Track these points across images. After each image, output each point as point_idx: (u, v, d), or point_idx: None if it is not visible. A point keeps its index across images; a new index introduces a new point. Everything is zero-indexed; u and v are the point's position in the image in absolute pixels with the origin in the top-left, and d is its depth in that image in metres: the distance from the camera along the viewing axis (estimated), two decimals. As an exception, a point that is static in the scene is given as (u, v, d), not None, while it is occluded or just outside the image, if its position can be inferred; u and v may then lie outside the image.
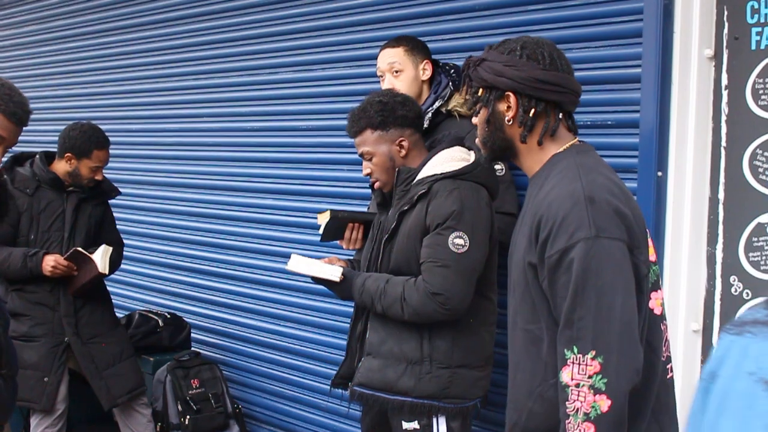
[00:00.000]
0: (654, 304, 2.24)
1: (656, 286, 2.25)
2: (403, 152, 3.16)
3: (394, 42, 3.65)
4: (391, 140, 3.16)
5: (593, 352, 2.03)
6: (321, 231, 3.48)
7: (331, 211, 3.46)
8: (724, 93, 3.15)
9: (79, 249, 4.26)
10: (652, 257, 2.25)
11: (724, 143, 3.15)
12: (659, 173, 3.25)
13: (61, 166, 4.38)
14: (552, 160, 2.28)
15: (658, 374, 2.25)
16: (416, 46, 3.62)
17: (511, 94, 2.26)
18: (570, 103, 2.32)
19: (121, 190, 4.73)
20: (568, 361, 2.07)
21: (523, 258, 2.23)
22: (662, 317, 2.28)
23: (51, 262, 4.22)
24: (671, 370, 2.33)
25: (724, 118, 3.15)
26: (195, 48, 5.47)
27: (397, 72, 3.59)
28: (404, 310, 3.02)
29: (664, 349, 2.28)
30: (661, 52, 3.23)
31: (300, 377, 4.87)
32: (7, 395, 2.90)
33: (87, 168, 4.36)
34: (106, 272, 4.29)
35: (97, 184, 4.49)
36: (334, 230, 3.50)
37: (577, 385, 2.05)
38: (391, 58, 3.61)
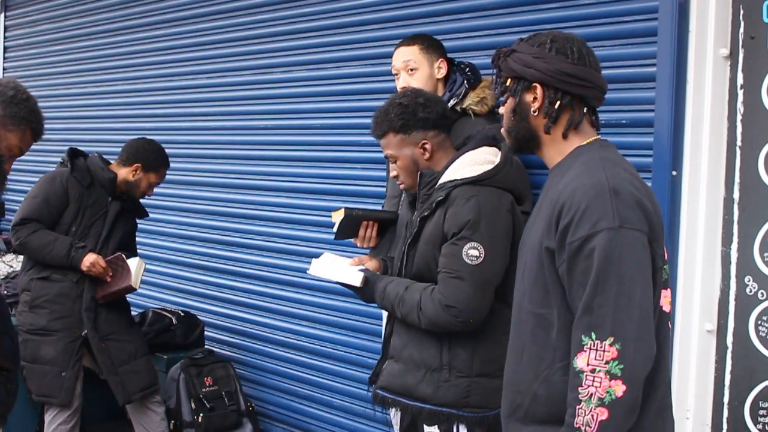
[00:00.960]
0: (663, 301, 2.26)
1: (666, 285, 2.28)
2: (427, 155, 3.13)
3: (410, 40, 3.64)
4: (414, 143, 3.12)
5: (611, 339, 2.06)
6: (335, 229, 3.47)
7: (346, 209, 3.45)
8: (740, 92, 3.13)
9: (123, 255, 4.34)
10: (665, 255, 2.28)
11: (739, 143, 3.13)
12: (674, 173, 3.24)
13: (122, 173, 4.52)
14: (575, 152, 2.32)
15: (664, 371, 2.27)
16: (431, 45, 3.62)
17: (538, 85, 2.31)
18: (595, 99, 2.37)
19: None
20: (585, 347, 2.10)
21: (540, 242, 2.25)
22: (669, 315, 2.30)
23: (91, 259, 4.29)
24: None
25: (739, 117, 3.13)
26: (210, 46, 5.49)
27: (412, 70, 3.58)
28: (420, 319, 3.00)
29: (668, 348, 2.32)
30: (676, 51, 3.22)
31: (313, 375, 4.87)
32: (6, 393, 2.91)
33: (148, 182, 4.55)
34: (137, 287, 4.37)
35: (138, 200, 4.62)
36: (349, 228, 3.49)
37: (593, 371, 2.08)
38: (406, 56, 3.60)
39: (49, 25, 6.98)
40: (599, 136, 2.38)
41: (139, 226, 4.82)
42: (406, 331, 3.12)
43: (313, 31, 4.83)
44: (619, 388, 2.06)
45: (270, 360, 5.13)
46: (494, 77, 2.46)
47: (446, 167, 3.09)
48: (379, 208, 3.83)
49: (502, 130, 2.46)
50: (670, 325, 2.31)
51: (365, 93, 4.50)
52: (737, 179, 3.13)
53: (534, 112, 2.33)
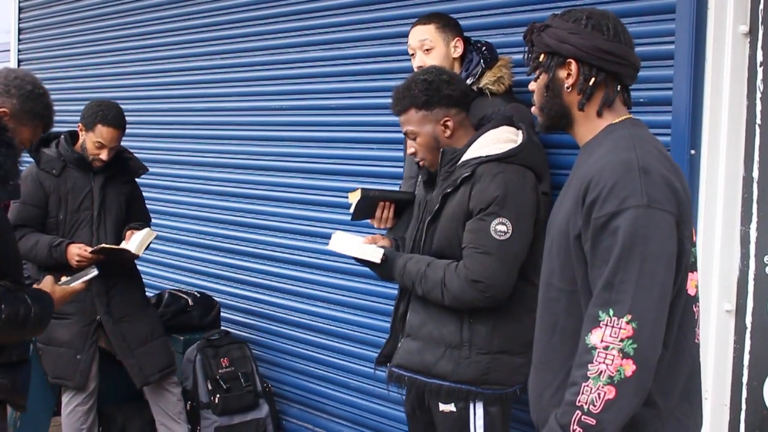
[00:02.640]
0: (690, 285, 2.23)
1: (694, 267, 2.25)
2: (448, 132, 3.12)
3: (426, 19, 3.62)
4: (436, 120, 3.12)
5: (629, 316, 2.04)
6: (352, 210, 3.47)
7: (362, 189, 3.45)
8: (759, 70, 3.09)
9: (105, 246, 4.26)
10: (693, 237, 2.25)
11: (758, 121, 3.10)
12: (692, 152, 3.21)
13: (80, 142, 4.39)
14: (607, 129, 2.30)
15: (691, 356, 2.25)
16: (447, 24, 3.59)
17: (573, 61, 2.29)
18: (629, 77, 2.34)
19: (150, 168, 4.73)
20: (601, 323, 2.08)
21: (567, 220, 2.23)
22: (695, 299, 2.27)
23: (75, 255, 4.24)
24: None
25: (759, 95, 3.09)
26: (226, 25, 5.47)
27: (428, 50, 3.56)
28: (444, 295, 3.00)
29: (697, 331, 2.29)
30: (695, 28, 3.18)
31: (330, 356, 4.88)
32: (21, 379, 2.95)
33: (91, 142, 4.32)
34: (140, 254, 4.28)
35: (123, 162, 4.51)
36: (366, 209, 3.49)
37: (606, 348, 2.05)
38: (422, 35, 3.58)
39: (63, 6, 6.97)
40: (631, 115, 2.35)
41: (156, 207, 4.79)
42: (424, 308, 3.12)
43: (329, 10, 4.80)
44: (629, 368, 2.04)
45: (286, 341, 5.15)
46: (526, 53, 2.42)
47: (468, 145, 3.08)
48: (397, 188, 3.82)
49: (533, 108, 2.43)
50: (695, 309, 2.28)
51: (382, 72, 4.48)
52: (756, 158, 3.10)
53: (568, 88, 2.31)
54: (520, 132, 3.11)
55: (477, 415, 3.06)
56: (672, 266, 2.10)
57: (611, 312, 2.06)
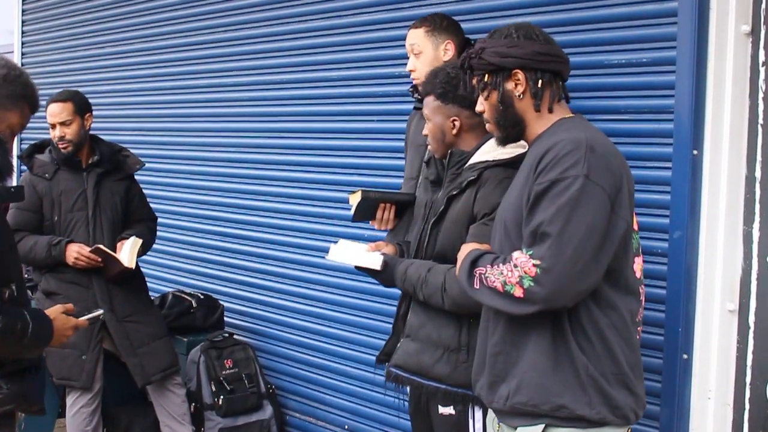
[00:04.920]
0: (636, 268, 2.52)
1: (638, 252, 2.54)
2: (455, 131, 3.13)
3: (419, 22, 3.64)
4: (447, 115, 3.13)
5: (538, 261, 2.32)
6: (352, 211, 3.47)
7: (363, 191, 3.45)
8: (762, 70, 3.09)
9: (101, 247, 4.28)
10: (635, 227, 2.52)
11: (761, 121, 3.09)
12: (695, 152, 3.21)
13: None
14: (559, 122, 2.56)
15: (630, 335, 2.50)
16: (440, 27, 3.59)
17: (519, 70, 2.53)
18: (566, 71, 2.62)
19: (153, 166, 4.71)
20: (521, 252, 2.38)
21: (519, 195, 2.48)
22: (640, 281, 2.55)
23: (74, 252, 4.27)
24: (639, 332, 2.58)
25: (761, 95, 3.09)
26: (228, 28, 5.48)
27: (417, 53, 3.59)
28: (444, 300, 2.99)
29: (640, 311, 2.56)
30: (697, 28, 3.19)
31: (335, 362, 4.86)
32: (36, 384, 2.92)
33: (51, 131, 4.40)
34: (132, 266, 4.28)
35: (117, 161, 4.52)
36: (366, 210, 3.49)
37: (515, 266, 2.37)
38: (412, 39, 3.61)
39: (66, 8, 6.97)
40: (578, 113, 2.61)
41: (158, 206, 4.77)
42: (424, 310, 3.12)
43: (332, 11, 4.81)
44: (518, 291, 2.36)
45: (290, 346, 5.12)
46: (467, 81, 2.67)
47: (476, 148, 3.09)
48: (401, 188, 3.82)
49: (487, 125, 2.67)
50: (641, 289, 2.56)
51: (385, 78, 4.49)
52: (759, 157, 3.10)
53: (519, 96, 2.55)
54: None
55: (476, 418, 3.05)
56: (595, 233, 2.32)
57: (530, 252, 2.36)
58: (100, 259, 4.27)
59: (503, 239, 2.56)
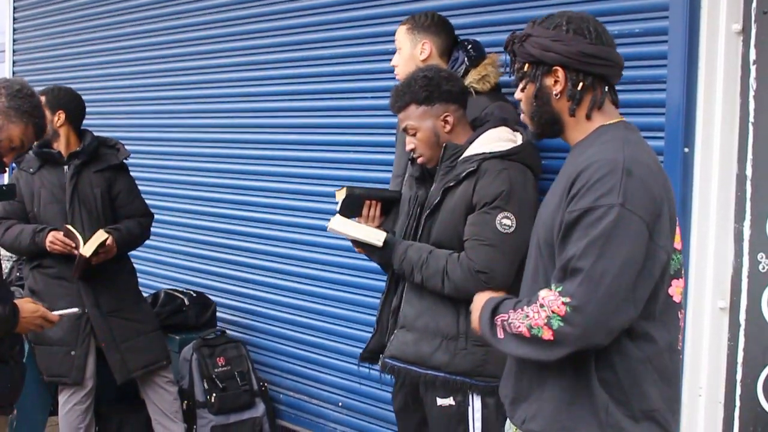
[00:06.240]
0: (674, 291, 2.28)
1: (678, 275, 2.29)
2: (448, 128, 3.17)
3: (404, 20, 3.71)
4: (436, 115, 3.16)
5: (568, 299, 2.13)
6: (338, 208, 3.49)
7: (347, 188, 3.48)
8: (752, 68, 3.10)
9: (68, 226, 4.26)
10: (678, 245, 2.29)
11: (752, 119, 3.11)
12: (686, 149, 3.22)
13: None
14: (599, 131, 2.32)
15: (664, 365, 2.28)
16: (419, 26, 3.64)
17: (559, 68, 2.31)
18: (615, 77, 2.37)
19: (142, 162, 4.68)
20: (549, 290, 2.19)
21: (553, 217, 2.27)
22: (680, 305, 2.32)
23: (50, 237, 4.27)
24: (677, 360, 2.37)
25: (752, 93, 3.10)
26: (221, 24, 5.47)
27: (398, 50, 3.67)
28: (445, 284, 3.04)
29: (679, 337, 2.33)
30: (688, 26, 3.19)
31: (328, 357, 4.85)
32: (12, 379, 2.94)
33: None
34: (87, 254, 4.17)
35: (94, 149, 4.48)
36: (352, 207, 3.51)
37: (542, 306, 2.18)
38: (396, 35, 3.70)
39: (57, 6, 6.95)
40: (623, 118, 2.37)
41: (150, 202, 4.75)
42: (419, 300, 3.15)
43: (324, 7, 4.81)
44: (547, 333, 2.16)
45: (283, 341, 5.12)
46: (510, 63, 2.44)
47: (470, 141, 3.13)
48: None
49: (522, 116, 2.45)
50: (681, 315, 2.33)
51: (377, 72, 4.48)
52: (750, 155, 3.11)
53: (556, 95, 2.33)
54: (517, 133, 3.17)
55: (475, 407, 3.08)
56: (631, 265, 2.12)
57: (559, 288, 2.16)
58: (74, 244, 4.25)
59: (538, 259, 2.38)
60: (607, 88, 2.34)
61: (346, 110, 4.72)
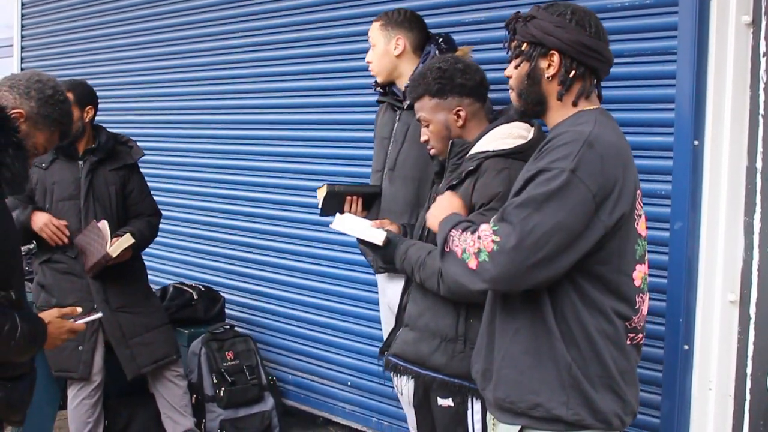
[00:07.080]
0: (636, 275, 2.40)
1: (642, 260, 2.42)
2: (460, 122, 3.12)
3: (377, 17, 3.76)
4: (449, 109, 3.12)
5: (498, 238, 2.26)
6: (320, 205, 3.52)
7: (328, 185, 3.52)
8: (762, 60, 3.09)
9: (105, 223, 4.22)
10: (643, 232, 2.42)
11: (762, 111, 3.09)
12: (696, 143, 3.22)
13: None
14: (577, 114, 2.44)
15: (618, 337, 2.39)
16: (393, 22, 3.70)
17: (556, 53, 2.42)
18: (604, 72, 2.50)
19: (153, 160, 4.70)
20: (489, 223, 2.33)
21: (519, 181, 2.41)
22: (640, 289, 2.42)
23: (43, 219, 4.24)
24: (636, 339, 2.46)
25: (762, 85, 3.09)
26: (229, 20, 5.48)
27: (372, 46, 3.73)
28: (440, 285, 2.99)
29: (635, 318, 2.42)
30: (698, 19, 3.19)
31: (336, 354, 4.87)
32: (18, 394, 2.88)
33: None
34: (113, 255, 4.19)
35: (111, 147, 4.47)
36: (334, 204, 3.54)
37: (478, 238, 2.32)
38: (370, 32, 3.77)
39: (65, 2, 6.96)
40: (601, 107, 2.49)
41: (159, 199, 4.75)
42: (423, 299, 3.12)
43: (314, 5, 4.82)
44: (472, 262, 2.31)
45: (291, 338, 5.13)
46: (507, 40, 2.55)
47: (478, 138, 3.08)
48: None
49: (511, 92, 2.55)
50: (640, 298, 2.42)
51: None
52: (760, 148, 3.10)
53: (548, 78, 2.45)
54: (532, 128, 3.09)
55: (474, 410, 3.05)
56: (562, 231, 2.23)
57: (495, 227, 2.29)
58: (66, 235, 4.25)
59: None
60: (595, 81, 2.47)
61: (323, 107, 4.77)
